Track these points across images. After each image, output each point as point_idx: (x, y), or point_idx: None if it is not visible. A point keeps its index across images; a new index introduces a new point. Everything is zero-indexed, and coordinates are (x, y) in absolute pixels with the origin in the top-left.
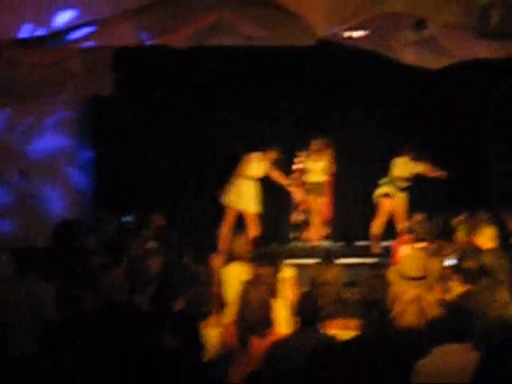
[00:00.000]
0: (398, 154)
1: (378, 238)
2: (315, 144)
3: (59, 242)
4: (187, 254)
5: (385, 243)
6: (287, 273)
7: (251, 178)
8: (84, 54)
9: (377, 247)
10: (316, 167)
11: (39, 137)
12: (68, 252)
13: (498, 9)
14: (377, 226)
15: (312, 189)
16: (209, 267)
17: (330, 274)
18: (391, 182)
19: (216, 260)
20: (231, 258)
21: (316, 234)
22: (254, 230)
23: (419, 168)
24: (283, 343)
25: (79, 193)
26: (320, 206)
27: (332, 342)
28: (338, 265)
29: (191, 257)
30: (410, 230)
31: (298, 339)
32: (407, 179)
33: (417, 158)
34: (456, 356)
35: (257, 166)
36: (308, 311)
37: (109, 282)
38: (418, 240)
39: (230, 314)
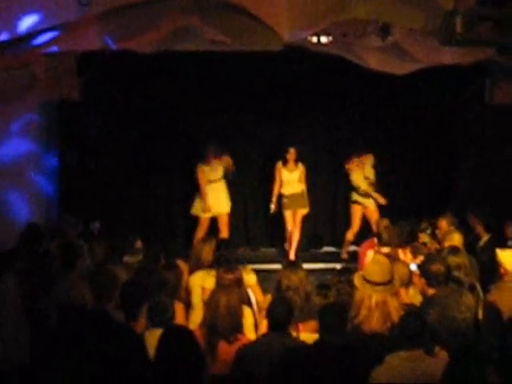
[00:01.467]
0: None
1: (347, 243)
2: (292, 153)
3: (25, 245)
4: (160, 261)
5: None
6: (250, 279)
7: (215, 181)
8: (49, 59)
9: (344, 253)
10: (293, 177)
11: (4, 141)
12: (33, 255)
13: (461, 16)
14: (349, 232)
15: (291, 201)
16: (175, 269)
17: (295, 279)
18: (353, 189)
19: (182, 266)
20: (198, 265)
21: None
22: (226, 232)
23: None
24: (251, 347)
25: (44, 198)
26: (300, 219)
27: (298, 346)
28: (303, 269)
29: (163, 263)
30: (377, 235)
31: (266, 343)
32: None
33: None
34: (409, 362)
35: (213, 170)
36: (280, 315)
37: (66, 286)
38: (383, 245)
39: (195, 319)
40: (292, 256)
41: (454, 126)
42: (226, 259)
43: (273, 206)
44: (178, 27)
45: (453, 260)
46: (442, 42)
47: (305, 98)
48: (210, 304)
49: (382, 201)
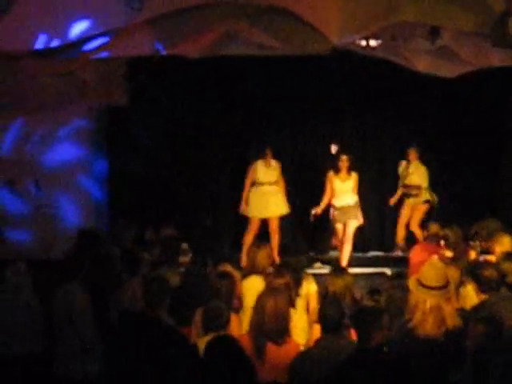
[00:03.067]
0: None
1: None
2: (344, 160)
3: (85, 251)
4: (209, 265)
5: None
6: (311, 288)
7: (268, 184)
8: (98, 64)
9: (399, 250)
10: (345, 187)
11: (54, 147)
12: (95, 262)
13: None
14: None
15: (342, 214)
16: (229, 278)
17: (341, 284)
18: (398, 188)
19: (235, 274)
20: (252, 270)
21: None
22: (278, 237)
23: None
24: (308, 352)
25: (94, 203)
26: (352, 232)
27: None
28: (350, 275)
29: (212, 268)
30: (443, 238)
31: (322, 347)
32: (409, 186)
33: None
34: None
35: (265, 171)
36: (332, 317)
37: (128, 293)
38: (449, 248)
39: (245, 324)
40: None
41: (503, 128)
42: (288, 264)
43: (313, 214)
44: (227, 32)
45: (509, 266)
46: (493, 43)
47: (353, 101)
48: (257, 307)
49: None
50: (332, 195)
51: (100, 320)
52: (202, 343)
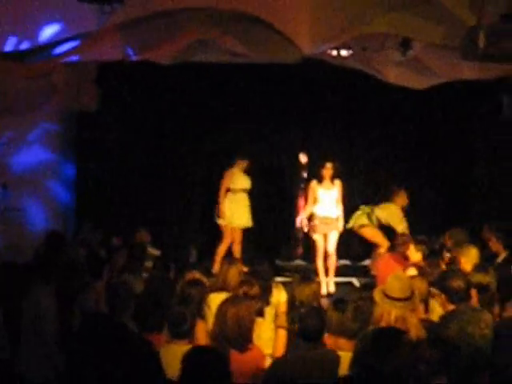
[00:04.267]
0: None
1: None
2: (328, 168)
3: (50, 254)
4: (171, 270)
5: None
6: (281, 297)
7: (242, 191)
8: (68, 68)
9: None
10: (329, 197)
11: (22, 150)
12: (60, 265)
13: (484, 31)
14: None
15: (325, 224)
16: (198, 285)
17: (308, 292)
18: (369, 215)
19: (202, 278)
20: (223, 286)
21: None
22: (237, 248)
23: (398, 227)
24: (285, 360)
25: (61, 207)
26: (335, 241)
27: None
28: (316, 282)
29: (174, 273)
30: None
31: (300, 355)
32: (381, 223)
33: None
34: None
35: (242, 178)
36: (313, 326)
37: (92, 296)
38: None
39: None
40: (332, 289)
41: (472, 140)
42: (255, 272)
43: (305, 227)
44: (198, 39)
45: (482, 278)
46: (464, 57)
47: (323, 110)
48: (219, 315)
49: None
50: (314, 204)
51: (64, 323)
52: (167, 350)
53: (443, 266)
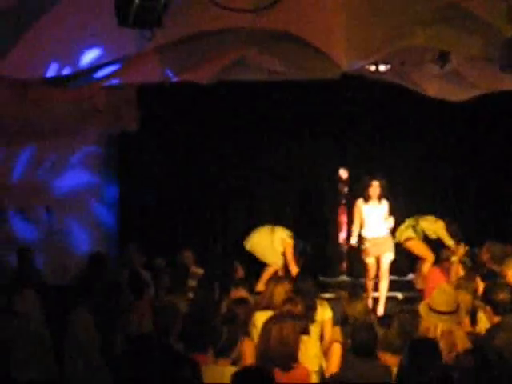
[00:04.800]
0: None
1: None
2: (375, 186)
3: (94, 276)
4: (215, 290)
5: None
6: (326, 314)
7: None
8: (109, 91)
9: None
10: (377, 216)
11: (65, 173)
12: (103, 286)
13: None
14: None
15: (376, 246)
16: (244, 304)
17: (360, 308)
18: (415, 228)
19: (248, 297)
20: (269, 305)
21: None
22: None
23: (448, 242)
24: (338, 374)
25: (104, 228)
26: (388, 266)
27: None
28: (365, 299)
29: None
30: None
31: (355, 370)
32: (427, 235)
33: (450, 230)
34: None
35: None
36: (365, 341)
37: (134, 317)
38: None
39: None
40: (381, 311)
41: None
42: (301, 290)
43: (354, 243)
44: (236, 58)
45: None
46: (502, 68)
47: (363, 125)
48: (263, 333)
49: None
50: (362, 225)
51: (107, 344)
52: (211, 370)
53: (478, 280)
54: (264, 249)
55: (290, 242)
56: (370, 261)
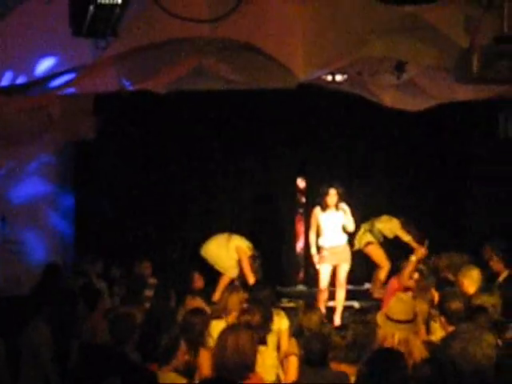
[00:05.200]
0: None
1: (380, 283)
2: (332, 194)
3: (48, 286)
4: (172, 299)
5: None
6: (282, 324)
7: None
8: (65, 100)
9: (377, 292)
10: (334, 225)
11: (20, 182)
12: (58, 296)
13: (478, 53)
14: (381, 271)
15: (333, 255)
16: (201, 314)
17: (315, 319)
18: (372, 231)
19: (205, 307)
20: (224, 313)
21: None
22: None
23: (405, 238)
24: None
25: (60, 238)
26: (345, 276)
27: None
28: (320, 310)
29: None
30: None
31: (308, 380)
32: (386, 237)
33: (406, 227)
34: None
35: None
36: (318, 351)
37: (88, 326)
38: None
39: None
40: (338, 321)
41: (468, 160)
42: (257, 300)
43: (315, 258)
44: (194, 67)
45: (487, 299)
46: (458, 79)
47: (320, 135)
48: (219, 344)
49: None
50: (319, 234)
51: (61, 354)
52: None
53: (433, 290)
54: (219, 256)
55: (246, 251)
56: (325, 269)
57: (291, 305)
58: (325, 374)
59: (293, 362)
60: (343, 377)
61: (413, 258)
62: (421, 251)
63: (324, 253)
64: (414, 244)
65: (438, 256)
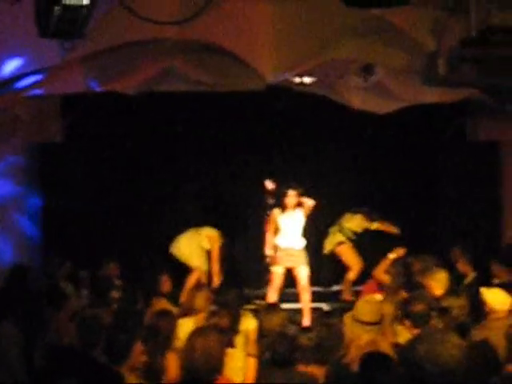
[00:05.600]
0: (350, 209)
1: (349, 284)
2: (292, 196)
3: (14, 287)
4: (139, 301)
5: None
6: (250, 324)
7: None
8: (32, 101)
9: (347, 294)
10: (293, 227)
11: None
12: (23, 297)
13: (444, 57)
14: (351, 272)
15: (288, 256)
16: (168, 316)
17: (276, 321)
18: (341, 231)
19: (171, 308)
20: (191, 312)
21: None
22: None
23: (373, 226)
24: None
25: (27, 239)
26: (307, 278)
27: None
28: (283, 310)
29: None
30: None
31: (275, 380)
32: (356, 233)
33: (370, 217)
34: None
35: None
36: (283, 353)
37: (53, 328)
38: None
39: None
40: (307, 323)
41: (436, 163)
42: (224, 302)
43: (269, 259)
44: (162, 68)
45: (453, 301)
46: (424, 82)
47: (288, 137)
48: (187, 347)
49: (395, 229)
50: (276, 234)
51: (28, 356)
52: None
53: (403, 292)
54: (190, 251)
55: (218, 239)
56: (278, 270)
57: (254, 307)
58: (291, 375)
59: (251, 364)
60: (310, 378)
61: (390, 256)
62: (399, 251)
63: (279, 253)
64: (384, 227)
65: (413, 257)
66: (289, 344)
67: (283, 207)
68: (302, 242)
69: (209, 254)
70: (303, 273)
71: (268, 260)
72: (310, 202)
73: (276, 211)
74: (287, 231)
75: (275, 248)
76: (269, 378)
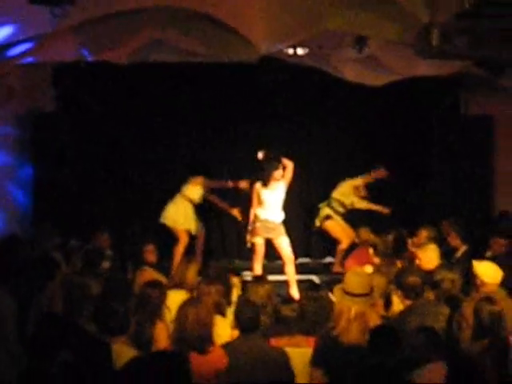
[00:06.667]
0: (345, 175)
1: (340, 255)
2: (276, 167)
3: (5, 256)
4: (129, 271)
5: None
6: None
7: (190, 201)
8: (24, 70)
9: (338, 265)
10: (275, 199)
11: None
12: (11, 266)
13: (438, 29)
14: (341, 245)
15: (266, 228)
16: (158, 287)
17: (261, 292)
18: (329, 204)
19: (161, 278)
20: (181, 286)
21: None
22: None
23: (361, 204)
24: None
25: (18, 209)
26: (289, 251)
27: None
28: (270, 282)
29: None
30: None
31: (243, 349)
32: (345, 206)
33: (358, 192)
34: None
35: (196, 189)
36: (247, 317)
37: (46, 296)
38: (380, 255)
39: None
40: (296, 295)
41: (430, 136)
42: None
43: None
44: (154, 38)
45: (445, 274)
46: (418, 54)
47: (282, 108)
48: (179, 317)
49: (384, 209)
50: (259, 206)
51: (22, 324)
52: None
53: (399, 264)
54: (177, 215)
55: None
56: (259, 241)
57: (242, 278)
58: (260, 345)
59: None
60: (280, 353)
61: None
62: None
63: (257, 224)
64: (374, 207)
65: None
66: (252, 309)
67: (266, 181)
68: (281, 216)
69: (196, 206)
70: (284, 243)
71: (249, 231)
72: (290, 165)
73: (258, 185)
74: (268, 203)
75: (255, 219)
76: (237, 342)
